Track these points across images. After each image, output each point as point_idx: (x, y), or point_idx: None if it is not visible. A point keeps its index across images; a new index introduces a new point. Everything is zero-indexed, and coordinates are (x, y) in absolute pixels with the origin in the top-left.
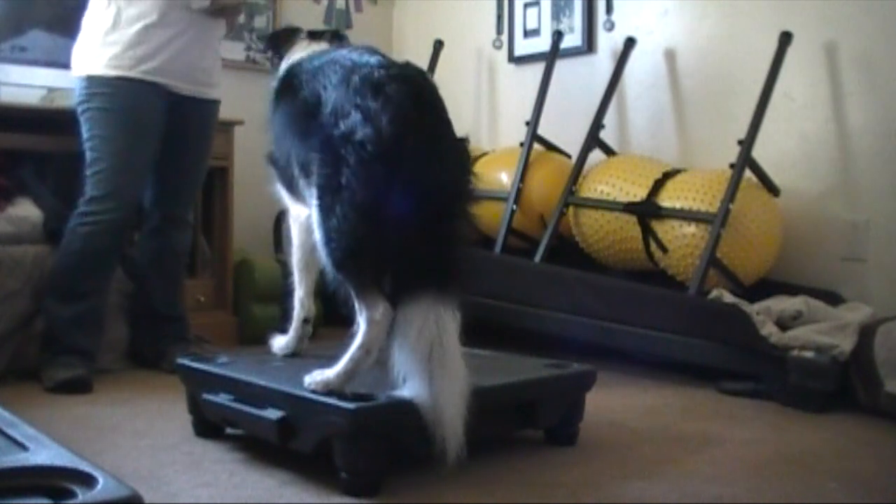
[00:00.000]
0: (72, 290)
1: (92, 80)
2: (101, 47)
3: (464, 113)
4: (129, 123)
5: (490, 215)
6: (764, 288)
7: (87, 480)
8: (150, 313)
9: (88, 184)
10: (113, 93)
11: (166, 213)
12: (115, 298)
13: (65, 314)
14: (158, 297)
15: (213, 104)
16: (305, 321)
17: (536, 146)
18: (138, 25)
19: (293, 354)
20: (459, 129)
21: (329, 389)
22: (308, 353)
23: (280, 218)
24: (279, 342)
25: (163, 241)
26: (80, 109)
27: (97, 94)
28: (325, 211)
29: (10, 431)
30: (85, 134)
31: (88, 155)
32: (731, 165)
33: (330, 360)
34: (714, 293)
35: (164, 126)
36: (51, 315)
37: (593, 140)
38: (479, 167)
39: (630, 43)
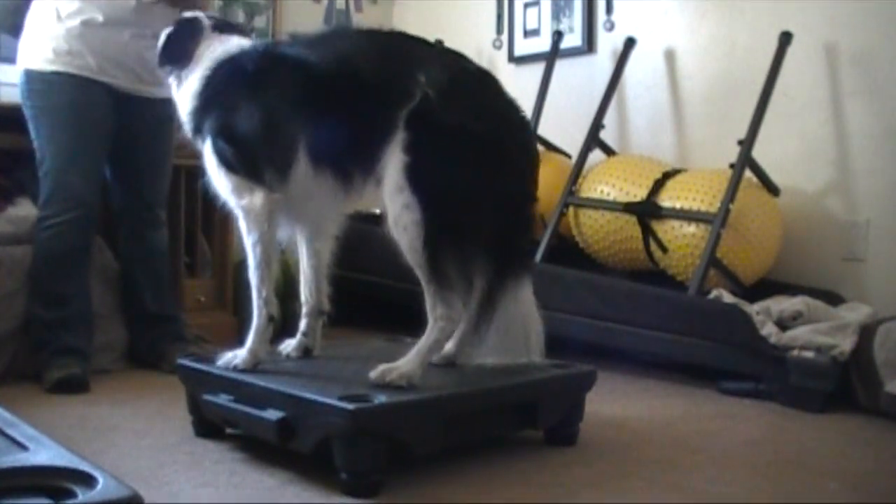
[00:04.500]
0: (52, 295)
1: (31, 75)
2: (40, 41)
3: None
4: (70, 120)
5: None
6: (764, 288)
7: (87, 480)
8: (143, 315)
9: (41, 186)
10: (50, 89)
11: (136, 214)
12: (114, 299)
13: (50, 318)
14: (149, 298)
15: (164, 103)
16: (271, 319)
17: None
18: (77, 21)
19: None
20: None
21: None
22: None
23: None
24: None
25: (140, 243)
26: (23, 106)
27: (35, 90)
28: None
29: (10, 431)
30: (31, 133)
31: (37, 156)
32: (731, 165)
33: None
34: (714, 293)
35: (112, 124)
36: (38, 320)
37: (593, 140)
38: None
39: (630, 43)
